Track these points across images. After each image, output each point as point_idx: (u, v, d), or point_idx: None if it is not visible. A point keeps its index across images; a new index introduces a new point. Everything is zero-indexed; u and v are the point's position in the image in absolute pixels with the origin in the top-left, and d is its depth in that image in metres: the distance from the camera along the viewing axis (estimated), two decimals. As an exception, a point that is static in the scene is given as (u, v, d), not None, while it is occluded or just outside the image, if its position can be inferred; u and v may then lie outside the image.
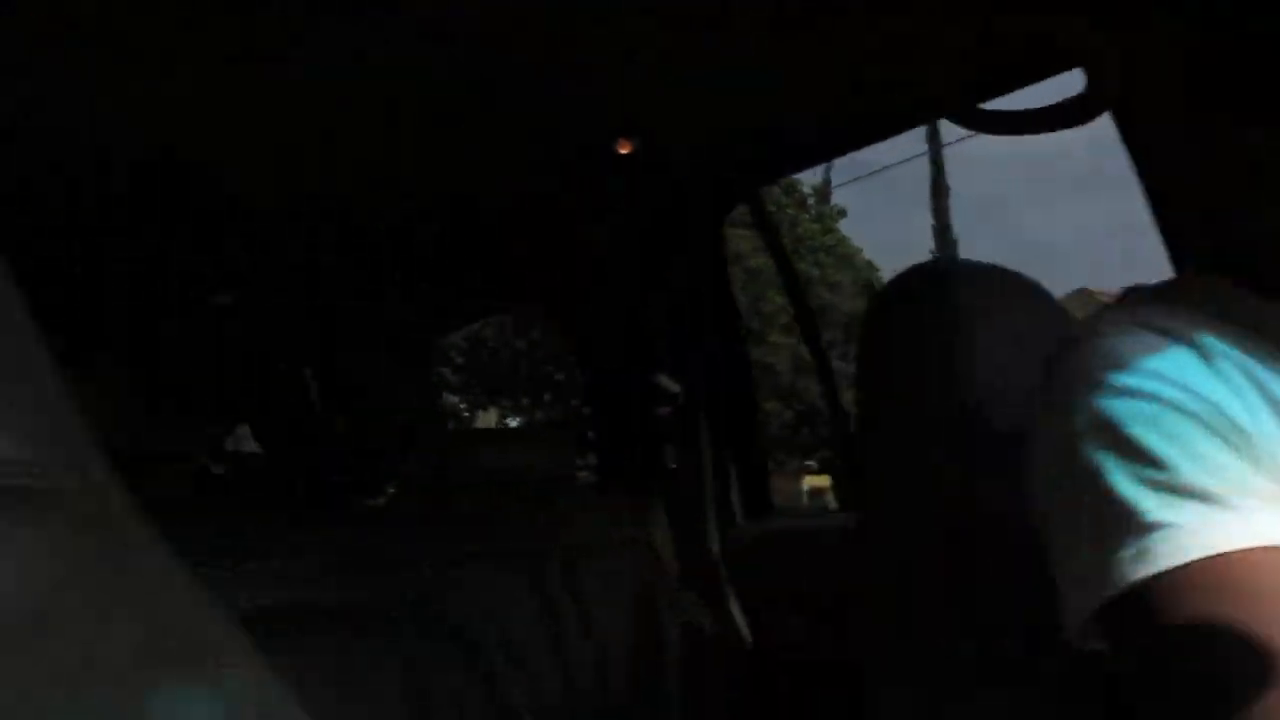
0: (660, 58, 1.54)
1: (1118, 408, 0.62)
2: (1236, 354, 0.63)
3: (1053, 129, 1.51)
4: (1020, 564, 0.95)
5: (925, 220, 23.65)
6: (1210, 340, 0.63)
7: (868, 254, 19.79)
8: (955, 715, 0.90)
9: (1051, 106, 1.48)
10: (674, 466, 2.14)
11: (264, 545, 1.73)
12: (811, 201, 19.71)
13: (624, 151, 1.84)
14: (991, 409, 1.05)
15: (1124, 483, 0.61)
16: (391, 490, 1.71)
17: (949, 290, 1.09)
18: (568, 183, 1.97)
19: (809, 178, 19.69)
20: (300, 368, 1.99)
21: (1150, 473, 0.60)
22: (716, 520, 2.18)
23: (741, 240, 17.76)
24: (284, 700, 0.63)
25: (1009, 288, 1.17)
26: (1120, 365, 0.63)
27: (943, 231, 22.29)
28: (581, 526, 2.06)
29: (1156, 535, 0.59)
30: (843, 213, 19.97)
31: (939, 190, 22.19)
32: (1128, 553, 0.59)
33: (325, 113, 1.65)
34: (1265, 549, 0.58)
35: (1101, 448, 0.62)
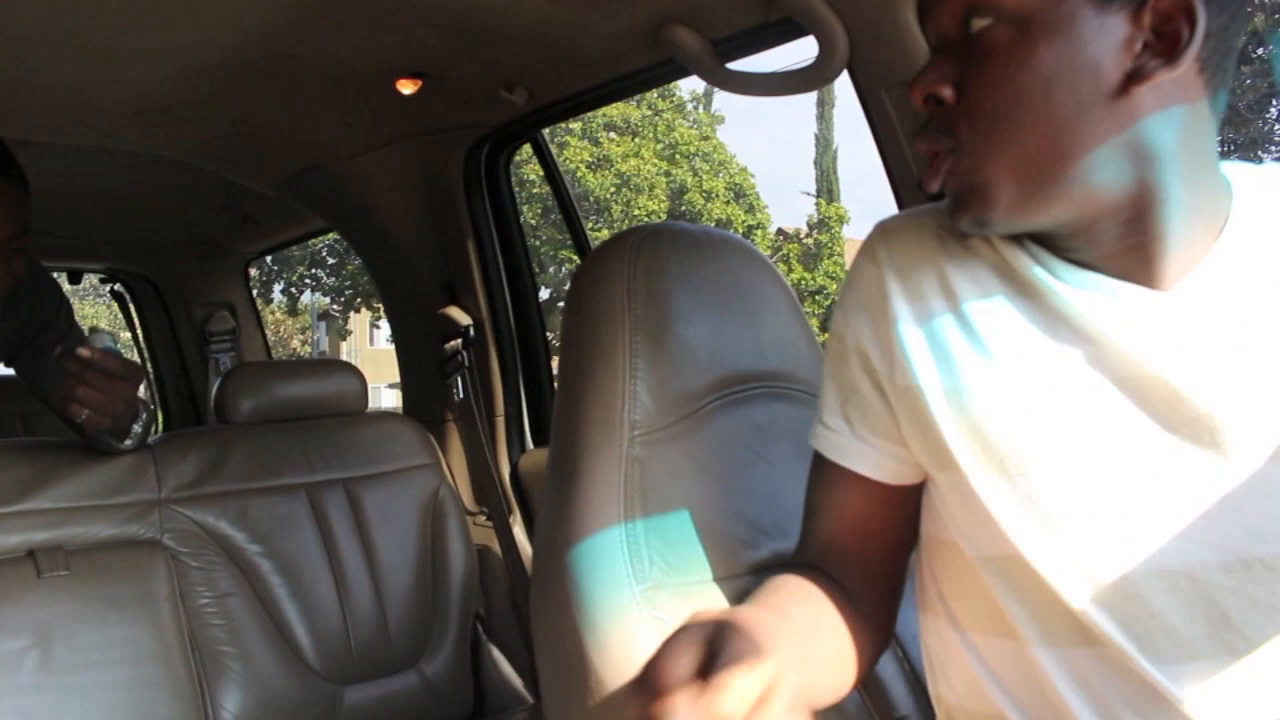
0: (442, 4, 1.57)
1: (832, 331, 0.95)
2: (935, 277, 0.87)
3: (794, 92, 1.60)
4: (685, 506, 1.06)
5: (812, 127, 23.88)
6: (906, 271, 0.88)
7: (751, 161, 19.87)
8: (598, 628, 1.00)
9: (793, 70, 1.56)
10: (461, 397, 2.21)
11: (37, 483, 1.75)
12: (691, 107, 19.66)
13: (407, 91, 1.87)
14: (685, 368, 1.14)
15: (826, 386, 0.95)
16: (138, 430, 1.73)
17: (652, 254, 1.15)
18: (352, 120, 1.99)
19: (687, 82, 19.58)
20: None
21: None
22: (507, 446, 2.27)
23: (612, 145, 17.73)
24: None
25: (718, 251, 1.24)
26: (842, 298, 0.94)
27: (826, 142, 22.51)
28: (369, 455, 2.12)
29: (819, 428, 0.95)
30: (720, 119, 19.99)
31: (823, 98, 22.35)
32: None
33: (116, 53, 1.65)
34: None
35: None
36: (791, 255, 19.39)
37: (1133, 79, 0.75)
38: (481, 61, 1.76)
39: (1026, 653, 0.81)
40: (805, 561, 0.95)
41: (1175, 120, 0.77)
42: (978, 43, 0.79)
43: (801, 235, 20.04)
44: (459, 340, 2.20)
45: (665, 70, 1.71)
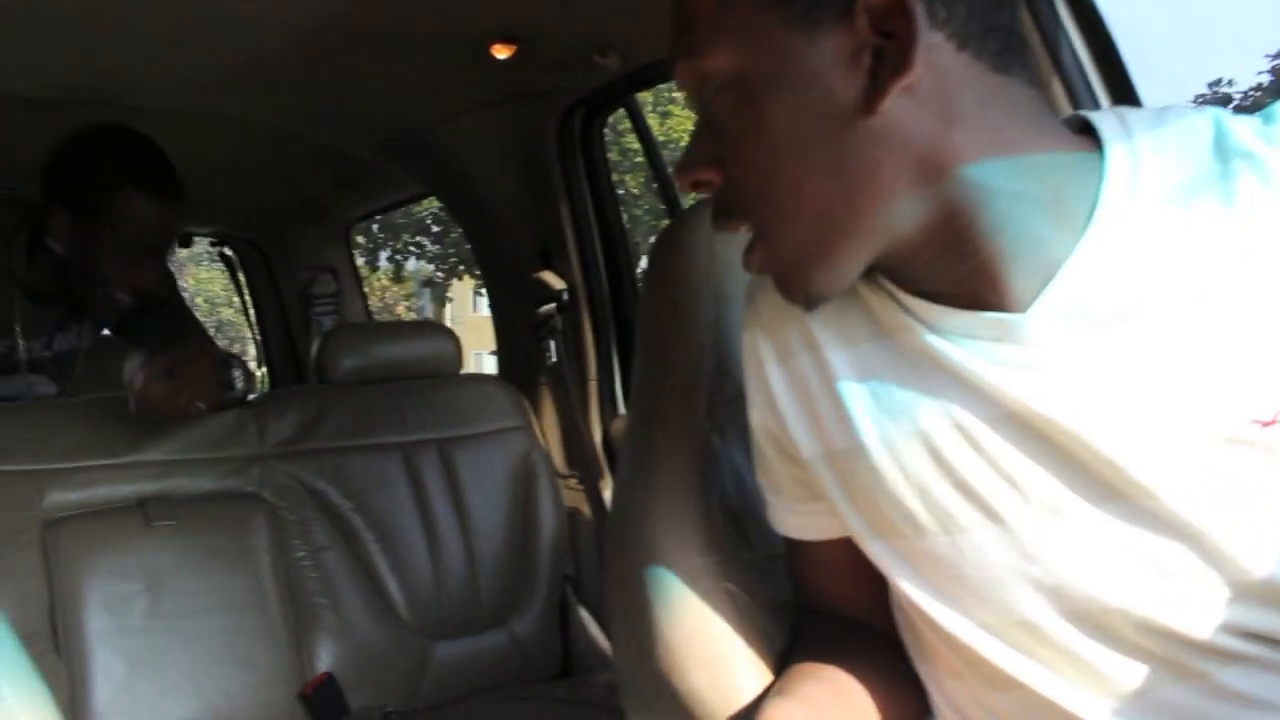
0: None
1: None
2: (799, 333, 0.81)
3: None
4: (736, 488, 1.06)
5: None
6: (774, 331, 0.83)
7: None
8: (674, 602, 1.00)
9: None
10: (554, 360, 2.24)
11: (146, 436, 1.83)
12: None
13: (501, 56, 1.88)
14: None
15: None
16: (239, 384, 1.79)
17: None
18: (447, 85, 2.01)
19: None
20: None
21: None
22: (599, 410, 2.29)
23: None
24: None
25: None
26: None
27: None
28: (462, 417, 2.16)
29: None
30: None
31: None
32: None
33: (218, 20, 1.70)
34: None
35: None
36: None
37: (872, 95, 0.65)
38: (574, 26, 1.77)
39: (974, 694, 0.77)
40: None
41: (960, 113, 0.66)
42: (715, 114, 0.71)
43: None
44: (553, 305, 2.22)
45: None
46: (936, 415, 0.72)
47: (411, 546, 2.01)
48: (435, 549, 2.03)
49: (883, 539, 0.77)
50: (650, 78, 1.95)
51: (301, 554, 1.88)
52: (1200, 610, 0.66)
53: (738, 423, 1.06)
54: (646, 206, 16.84)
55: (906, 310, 0.74)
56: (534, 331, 2.27)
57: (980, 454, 0.70)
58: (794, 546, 0.92)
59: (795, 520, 0.88)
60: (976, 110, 0.66)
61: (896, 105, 0.65)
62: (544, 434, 2.31)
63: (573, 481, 2.32)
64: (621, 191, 17.82)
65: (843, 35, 0.66)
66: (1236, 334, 0.64)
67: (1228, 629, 0.66)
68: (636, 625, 1.00)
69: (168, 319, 1.91)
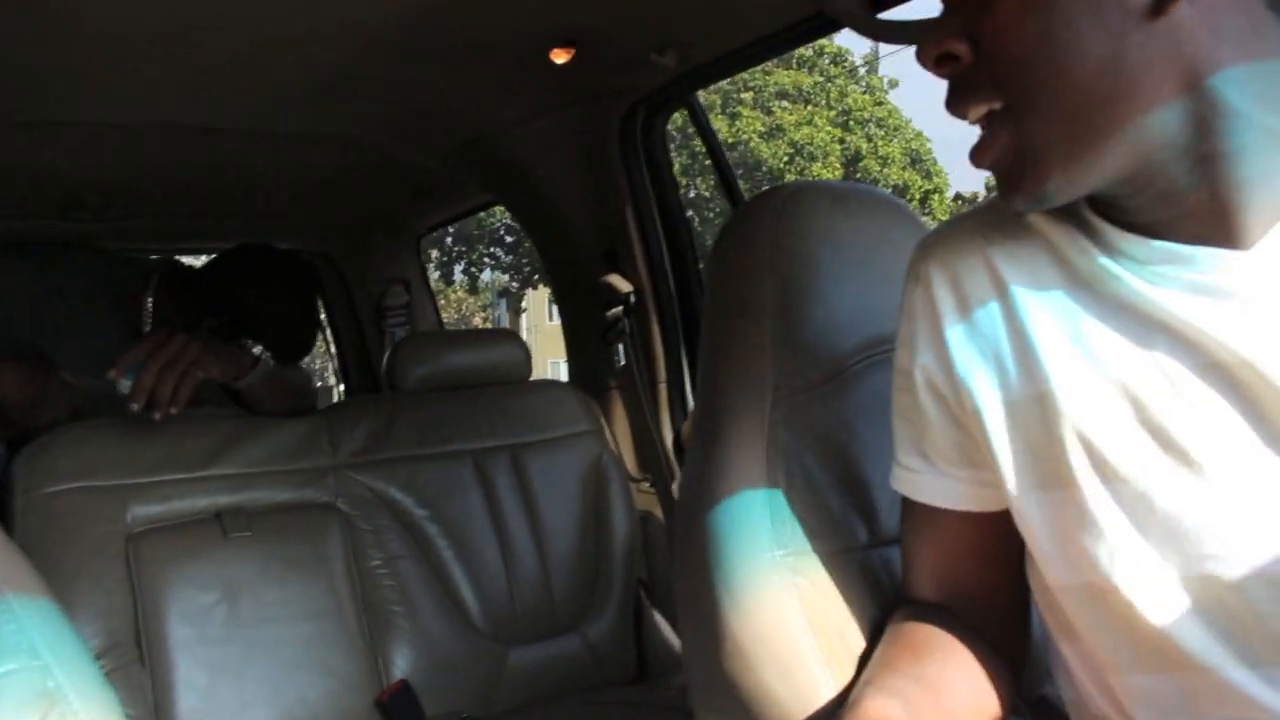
0: None
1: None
2: (986, 279, 0.80)
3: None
4: (830, 470, 1.03)
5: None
6: (955, 281, 0.82)
7: (927, 125, 19.34)
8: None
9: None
10: (623, 363, 2.23)
11: (221, 450, 1.86)
12: (863, 72, 19.26)
13: (560, 60, 1.88)
14: (831, 328, 1.11)
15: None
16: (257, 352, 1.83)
17: (795, 213, 1.13)
18: (509, 92, 2.02)
19: (860, 47, 19.15)
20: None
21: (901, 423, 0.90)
22: (670, 413, 2.27)
23: (785, 114, 17.52)
24: (57, 616, 0.74)
25: (864, 207, 1.20)
26: (899, 330, 0.89)
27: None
28: (533, 422, 2.16)
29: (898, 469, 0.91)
30: (894, 83, 19.48)
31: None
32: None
33: (285, 35, 1.72)
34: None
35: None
36: (971, 220, 18.84)
37: None
38: (630, 27, 1.76)
39: (1135, 679, 0.75)
40: (922, 600, 0.91)
41: (1227, 35, 0.66)
42: None
43: (980, 200, 19.47)
44: (620, 308, 2.21)
45: (815, 25, 1.67)
46: (1139, 363, 0.71)
47: (484, 553, 2.02)
48: (508, 555, 2.03)
49: (1062, 489, 0.75)
50: (709, 75, 1.93)
51: (376, 562, 1.89)
52: None
53: (806, 415, 1.05)
54: (719, 209, 16.82)
55: (1110, 251, 0.73)
56: (602, 335, 2.26)
57: (1184, 400, 0.69)
58: (919, 520, 0.89)
59: (942, 484, 0.86)
60: (1244, 36, 0.67)
61: (1180, 12, 0.65)
62: (615, 438, 2.31)
63: (645, 485, 2.31)
64: (693, 194, 17.84)
65: None
66: None
67: None
68: (704, 622, 0.99)
69: None
